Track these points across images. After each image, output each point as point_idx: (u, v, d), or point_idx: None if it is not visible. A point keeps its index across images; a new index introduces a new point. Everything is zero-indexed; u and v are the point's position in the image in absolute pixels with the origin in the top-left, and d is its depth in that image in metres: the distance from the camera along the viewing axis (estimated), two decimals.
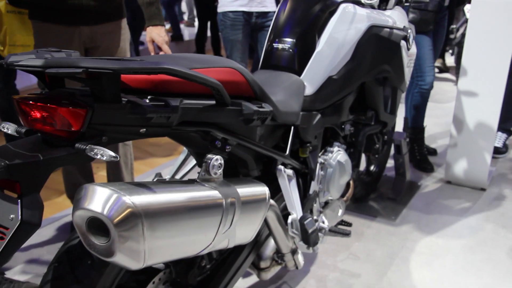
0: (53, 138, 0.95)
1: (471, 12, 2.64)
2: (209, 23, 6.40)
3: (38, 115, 0.92)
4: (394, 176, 2.96)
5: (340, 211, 1.98)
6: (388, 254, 2.20)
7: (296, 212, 1.51)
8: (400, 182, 2.82)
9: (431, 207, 2.67)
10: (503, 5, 2.52)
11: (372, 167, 2.72)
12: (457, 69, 5.96)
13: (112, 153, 0.88)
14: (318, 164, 1.74)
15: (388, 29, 1.89)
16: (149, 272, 1.25)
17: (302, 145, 1.68)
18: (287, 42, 1.71)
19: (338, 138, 1.93)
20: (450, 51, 6.32)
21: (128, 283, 1.23)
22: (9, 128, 1.03)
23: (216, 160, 1.13)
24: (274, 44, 1.74)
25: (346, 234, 1.85)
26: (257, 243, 1.48)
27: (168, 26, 7.96)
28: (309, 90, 1.68)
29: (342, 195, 2.12)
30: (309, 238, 1.49)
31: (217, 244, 1.11)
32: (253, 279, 2.02)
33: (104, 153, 0.88)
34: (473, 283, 1.99)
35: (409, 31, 1.98)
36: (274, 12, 3.09)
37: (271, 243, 1.58)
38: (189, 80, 1.01)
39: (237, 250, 1.40)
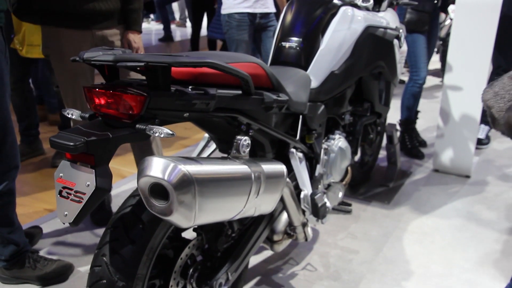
0: (114, 121, 1.15)
1: (455, 12, 2.87)
2: (204, 24, 6.57)
3: (104, 100, 1.12)
4: (386, 166, 3.19)
5: (341, 194, 2.19)
6: (383, 234, 2.42)
7: (307, 188, 1.72)
8: (392, 170, 3.05)
9: (420, 192, 2.91)
10: (485, 5, 2.76)
11: (366, 157, 2.94)
12: (442, 67, 6.24)
13: (169, 131, 1.08)
14: (322, 150, 1.95)
15: (382, 29, 2.11)
16: (185, 240, 1.45)
17: (309, 132, 1.89)
18: (294, 41, 1.92)
19: (339, 127, 2.15)
20: (436, 49, 6.59)
21: (168, 248, 1.43)
22: (74, 114, 1.22)
23: (245, 140, 1.34)
24: (282, 43, 1.95)
25: (348, 211, 2.07)
26: (272, 218, 1.69)
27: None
28: (314, 83, 1.90)
29: (342, 180, 2.34)
30: (318, 211, 1.71)
31: (247, 211, 1.31)
32: (264, 255, 2.23)
33: (162, 131, 1.08)
34: (459, 257, 2.23)
35: (400, 30, 2.21)
36: (274, 13, 3.32)
37: (283, 218, 1.79)
38: (226, 73, 1.22)
39: (256, 222, 1.61)
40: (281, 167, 1.45)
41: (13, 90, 3.23)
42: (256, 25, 3.29)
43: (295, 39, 1.93)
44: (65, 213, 1.09)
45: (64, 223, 1.10)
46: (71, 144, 1.03)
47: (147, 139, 1.16)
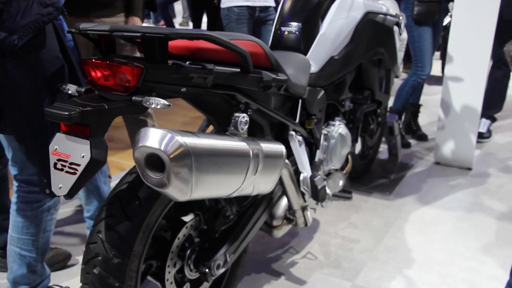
0: (111, 95, 1.13)
1: (455, 5, 2.86)
2: (205, 21, 6.56)
3: (100, 73, 1.10)
4: (387, 158, 3.17)
5: (341, 182, 2.17)
6: (384, 223, 2.40)
7: (306, 171, 1.70)
8: (393, 162, 3.02)
9: (422, 184, 2.89)
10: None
11: (366, 149, 2.92)
12: (442, 63, 6.23)
13: (166, 102, 1.07)
14: (322, 135, 1.94)
15: (382, 15, 2.10)
16: (182, 221, 1.43)
17: (308, 117, 1.87)
18: (294, 26, 1.91)
19: (339, 114, 2.13)
20: None
21: (165, 229, 1.41)
22: (70, 88, 1.21)
23: (243, 117, 1.32)
24: (282, 28, 1.93)
25: (348, 198, 2.05)
26: (271, 202, 1.66)
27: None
28: (314, 68, 1.88)
29: (342, 169, 2.32)
30: (318, 193, 1.69)
31: (245, 188, 1.29)
32: (264, 244, 2.21)
33: (159, 102, 1.06)
34: (461, 245, 2.20)
35: (400, 17, 2.19)
36: (274, 7, 3.30)
37: (282, 203, 1.76)
38: (224, 47, 1.20)
39: (255, 204, 1.59)
40: (280, 147, 1.43)
41: None
42: (256, 18, 3.28)
43: (294, 23, 1.92)
44: (60, 185, 1.07)
45: (58, 196, 1.08)
46: (66, 113, 1.01)
47: (143, 112, 1.15)
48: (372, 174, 3.00)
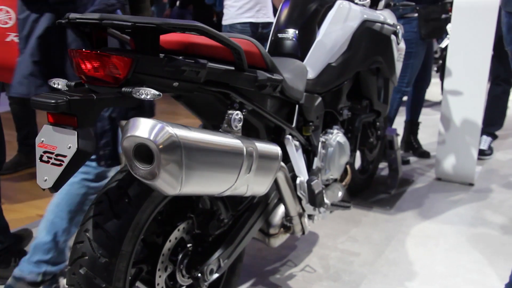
0: (100, 88, 1.10)
1: (453, 17, 2.87)
2: None
3: (90, 64, 1.08)
4: (387, 174, 3.12)
5: (340, 193, 2.12)
6: (385, 237, 2.34)
7: (303, 175, 1.66)
8: (393, 177, 2.98)
9: (423, 199, 2.83)
10: (483, 9, 2.75)
11: (366, 163, 2.88)
12: (442, 85, 6.26)
13: (156, 92, 1.04)
14: (320, 143, 1.90)
15: (379, 24, 2.09)
16: (174, 224, 1.38)
17: (306, 124, 1.84)
18: (291, 33, 1.90)
19: (337, 123, 2.10)
20: (435, 68, 6.62)
21: (156, 232, 1.36)
22: (60, 83, 1.18)
23: (237, 114, 1.29)
24: (278, 35, 1.92)
25: (347, 207, 1.99)
26: (267, 207, 1.61)
27: None
28: (311, 74, 1.86)
29: (341, 180, 2.28)
30: (315, 198, 1.64)
31: (239, 187, 1.25)
32: (261, 257, 2.14)
33: (149, 92, 1.03)
34: (464, 259, 2.13)
35: (398, 27, 2.19)
36: None
37: (279, 211, 1.71)
38: (216, 41, 1.18)
39: (250, 209, 1.54)
40: (276, 148, 1.40)
41: (12, 98, 3.21)
42: (259, 35, 3.29)
43: (291, 30, 1.91)
44: (45, 178, 1.03)
45: (44, 189, 1.04)
46: (52, 101, 0.98)
47: (133, 104, 1.12)
48: (372, 190, 2.94)
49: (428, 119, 4.75)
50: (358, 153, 2.80)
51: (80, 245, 1.15)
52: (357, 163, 2.83)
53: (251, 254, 2.17)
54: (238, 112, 1.30)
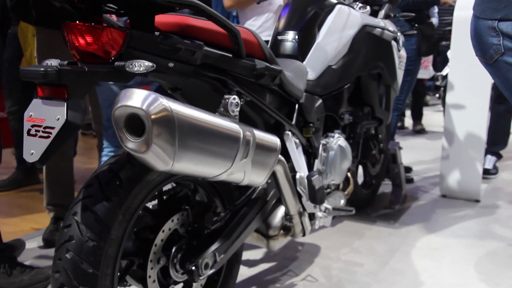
0: (93, 65, 1.07)
1: (453, 31, 2.87)
2: None
3: (83, 39, 1.05)
4: (390, 191, 3.05)
5: (342, 201, 2.06)
6: (389, 249, 2.25)
7: (303, 171, 1.61)
8: (397, 193, 2.91)
9: (428, 214, 2.75)
10: None
11: (369, 178, 2.82)
12: (444, 111, 6.26)
13: (149, 63, 1.01)
14: (320, 145, 1.86)
15: (379, 29, 2.09)
16: (167, 215, 1.32)
17: (306, 125, 1.80)
18: (291, 34, 1.89)
19: (338, 128, 2.06)
20: (437, 95, 6.64)
21: (150, 224, 1.30)
22: (52, 63, 1.15)
23: (234, 99, 1.26)
24: (278, 37, 1.91)
25: (350, 210, 1.93)
26: (266, 205, 1.54)
27: None
28: (311, 75, 1.84)
29: (343, 190, 2.22)
30: (316, 194, 1.58)
31: (235, 172, 1.20)
32: (261, 267, 2.06)
33: (142, 64, 1.00)
34: (473, 269, 2.04)
35: (398, 34, 2.18)
36: None
37: (279, 212, 1.66)
38: (213, 20, 1.16)
39: (249, 204, 1.48)
40: (275, 139, 1.35)
41: (12, 114, 3.18)
42: None
43: (291, 32, 1.90)
44: (32, 151, 0.99)
45: (30, 163, 1.00)
46: (42, 70, 0.96)
47: (126, 81, 1.08)
48: (375, 205, 2.87)
49: (429, 143, 4.72)
50: (360, 169, 2.76)
51: (67, 229, 1.09)
52: (360, 178, 2.78)
53: (250, 264, 2.09)
54: (235, 96, 1.26)
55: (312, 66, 1.85)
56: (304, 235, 1.67)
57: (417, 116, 5.72)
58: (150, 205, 1.35)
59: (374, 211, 2.77)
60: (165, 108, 0.99)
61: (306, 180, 1.59)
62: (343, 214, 1.92)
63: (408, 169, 3.49)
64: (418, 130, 5.68)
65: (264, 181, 1.34)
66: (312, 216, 1.76)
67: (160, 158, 1.00)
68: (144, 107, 0.96)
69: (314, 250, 2.24)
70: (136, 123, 0.99)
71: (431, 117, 6.37)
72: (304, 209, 1.63)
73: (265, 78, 1.40)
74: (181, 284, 1.42)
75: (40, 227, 2.55)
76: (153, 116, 0.96)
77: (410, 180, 3.41)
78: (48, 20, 2.03)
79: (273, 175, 1.47)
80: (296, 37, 1.88)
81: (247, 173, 1.24)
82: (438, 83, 6.71)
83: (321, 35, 1.90)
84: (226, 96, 1.26)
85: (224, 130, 1.15)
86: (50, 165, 2.26)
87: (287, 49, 1.87)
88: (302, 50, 1.88)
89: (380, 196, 3.00)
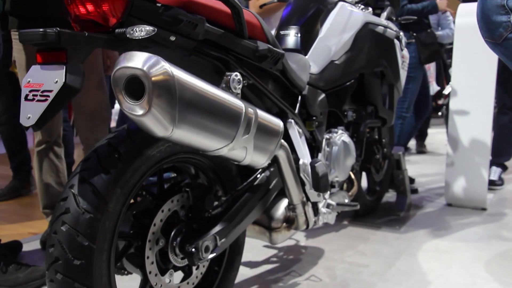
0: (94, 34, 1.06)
1: (454, 51, 2.86)
2: None
3: (84, 5, 1.04)
4: (394, 200, 3.00)
5: (346, 201, 2.01)
6: (395, 252, 2.19)
7: (306, 158, 1.57)
8: (402, 200, 2.86)
9: (434, 220, 2.70)
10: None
11: (373, 185, 2.77)
12: (447, 128, 6.23)
13: (150, 27, 1.00)
14: (324, 140, 1.83)
15: (382, 27, 2.09)
16: (167, 197, 1.28)
17: (309, 118, 1.78)
18: (293, 29, 1.89)
19: (342, 125, 2.04)
20: (440, 113, 6.64)
21: (148, 205, 1.26)
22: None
23: (236, 75, 1.24)
24: (281, 32, 1.91)
25: (354, 205, 1.88)
26: (268, 193, 1.49)
27: None
28: (314, 69, 1.83)
29: (347, 190, 2.18)
30: (319, 181, 1.54)
31: (236, 148, 1.17)
32: (263, 268, 2.01)
33: (143, 28, 0.99)
34: (482, 270, 1.98)
35: (400, 33, 2.18)
36: None
37: (282, 204, 1.62)
38: None
39: (251, 191, 1.43)
40: (277, 121, 1.33)
41: (3, 125, 3.10)
42: None
43: (293, 27, 1.90)
44: (28, 115, 0.97)
45: (27, 127, 0.97)
46: (41, 31, 0.94)
47: (125, 49, 1.06)
48: (380, 213, 2.81)
49: (432, 158, 4.68)
50: (364, 177, 2.72)
51: (63, 202, 1.06)
52: (364, 183, 2.73)
53: (253, 265, 2.03)
54: (238, 73, 1.24)
55: (315, 60, 1.85)
56: (307, 227, 1.62)
57: (421, 137, 5.66)
58: (149, 188, 1.31)
59: (379, 217, 2.72)
60: (167, 71, 0.97)
61: (309, 167, 1.56)
62: (347, 209, 1.87)
63: (411, 180, 3.44)
64: (421, 151, 5.61)
65: (266, 162, 1.31)
66: (316, 212, 1.71)
67: (159, 122, 0.97)
68: (145, 68, 0.94)
69: (317, 252, 2.18)
70: (136, 88, 0.97)
71: (435, 136, 6.32)
72: (308, 199, 1.59)
73: (268, 61, 1.38)
74: (181, 279, 1.37)
75: (38, 232, 2.51)
76: (153, 78, 0.94)
77: (414, 191, 3.35)
78: (31, 24, 1.96)
79: (276, 162, 1.44)
80: (299, 31, 1.88)
81: (248, 151, 1.22)
82: (440, 102, 6.73)
83: (324, 31, 1.90)
84: (228, 73, 1.24)
85: (226, 103, 1.13)
86: (43, 168, 2.21)
87: (290, 43, 1.87)
88: (304, 45, 1.88)
89: (384, 205, 2.94)
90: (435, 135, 6.29)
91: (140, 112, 0.95)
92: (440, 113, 6.61)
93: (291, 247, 2.26)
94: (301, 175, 1.55)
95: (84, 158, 1.12)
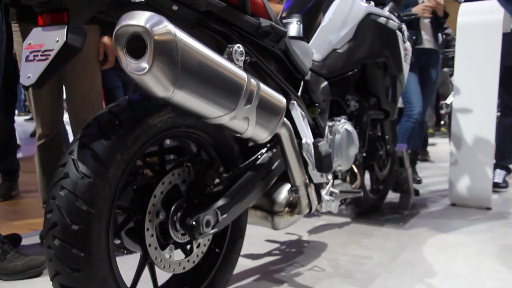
0: None
1: (456, 53, 2.86)
2: None
3: None
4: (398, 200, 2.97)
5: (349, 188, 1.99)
6: (400, 246, 2.16)
7: (309, 138, 1.55)
8: (406, 199, 2.82)
9: (438, 218, 2.66)
10: (486, 25, 2.77)
11: (377, 183, 2.74)
12: (450, 137, 6.21)
13: None
14: (327, 127, 1.82)
15: (384, 18, 2.09)
16: (167, 171, 1.27)
17: (312, 105, 1.77)
18: (296, 17, 1.89)
19: (345, 115, 2.02)
20: (442, 122, 6.63)
21: (148, 180, 1.25)
22: None
23: (238, 47, 1.23)
24: (283, 20, 1.92)
25: (358, 192, 1.85)
26: (271, 174, 1.47)
27: None
28: (316, 56, 1.82)
29: (351, 182, 2.16)
30: (322, 161, 1.52)
31: (238, 117, 1.15)
32: (265, 259, 1.98)
33: None
34: (489, 262, 1.94)
35: (403, 25, 2.18)
36: None
37: (284, 188, 1.60)
38: None
39: (253, 169, 1.41)
40: (280, 97, 1.32)
41: None
42: None
43: (296, 15, 1.90)
44: (29, 75, 0.96)
45: (27, 87, 0.96)
46: None
47: (127, 11, 1.06)
48: (383, 211, 2.78)
49: (434, 167, 4.65)
50: (367, 175, 2.70)
51: (62, 168, 1.04)
52: (367, 182, 2.71)
53: (254, 257, 2.00)
54: (240, 45, 1.24)
55: (317, 48, 1.85)
56: (310, 210, 1.60)
57: (424, 144, 5.62)
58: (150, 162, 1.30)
59: (383, 215, 2.69)
60: (169, 31, 0.96)
61: (312, 147, 1.54)
62: (350, 196, 1.85)
63: (416, 192, 3.40)
64: (425, 159, 5.57)
65: (268, 137, 1.29)
66: (319, 198, 1.68)
67: (160, 82, 0.96)
68: (147, 26, 0.94)
69: (320, 246, 2.15)
70: (138, 47, 0.96)
71: (439, 147, 6.28)
72: (311, 180, 1.57)
73: (270, 38, 1.38)
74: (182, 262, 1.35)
75: (38, 228, 2.48)
76: (156, 37, 0.94)
77: (415, 192, 3.32)
78: (26, 14, 1.93)
79: (278, 141, 1.42)
80: (302, 20, 1.88)
81: (251, 123, 1.20)
82: (442, 111, 6.72)
83: (326, 19, 1.91)
84: (230, 45, 1.23)
85: (228, 70, 1.12)
86: (43, 162, 2.20)
87: (292, 31, 1.87)
88: (306, 33, 1.88)
89: (387, 204, 2.91)
90: (440, 146, 6.26)
91: (141, 70, 0.94)
92: (442, 122, 6.60)
93: (294, 242, 2.23)
94: (304, 154, 1.53)
95: (85, 126, 1.10)
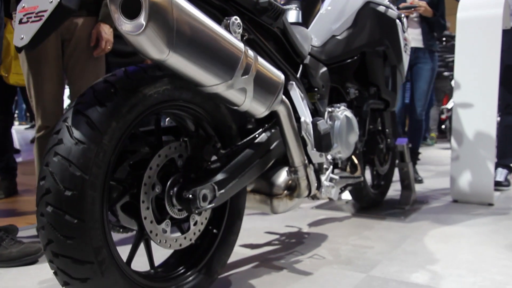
0: None
1: (456, 53, 2.86)
2: None
3: None
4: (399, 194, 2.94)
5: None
6: (401, 237, 2.13)
7: (308, 117, 1.54)
8: (407, 193, 2.80)
9: (440, 213, 2.63)
10: (487, 19, 2.76)
11: (377, 178, 2.72)
12: (450, 141, 6.18)
13: None
14: (326, 113, 1.80)
15: (383, 7, 2.09)
16: (163, 142, 1.25)
17: (311, 90, 1.76)
18: (295, 3, 1.89)
19: (345, 102, 2.01)
20: (443, 126, 6.61)
21: (144, 154, 1.23)
22: None
23: (236, 19, 1.22)
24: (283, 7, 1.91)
25: (358, 177, 1.83)
26: (269, 154, 1.44)
27: None
28: (316, 42, 1.82)
29: (351, 172, 2.13)
30: (321, 140, 1.49)
31: (235, 87, 1.14)
32: (264, 249, 1.95)
33: None
34: (492, 250, 1.91)
35: (402, 15, 2.18)
36: None
37: (283, 171, 1.58)
38: None
39: (251, 147, 1.39)
40: (279, 73, 1.31)
41: None
42: None
43: (294, 1, 1.90)
44: (22, 36, 0.95)
45: (20, 48, 0.95)
46: None
47: None
48: (385, 206, 2.75)
49: (434, 170, 4.61)
50: (368, 170, 2.68)
51: (56, 135, 1.03)
52: (368, 177, 2.68)
53: (254, 246, 1.97)
54: (237, 17, 1.22)
55: (316, 34, 1.84)
56: (309, 193, 1.57)
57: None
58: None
59: (384, 210, 2.65)
60: None
61: (311, 125, 1.52)
62: (350, 182, 1.82)
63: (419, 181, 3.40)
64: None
65: (265, 112, 1.28)
66: (319, 184, 1.66)
67: (155, 43, 0.95)
68: None
69: (320, 237, 2.12)
70: (133, 9, 0.95)
71: (441, 152, 6.25)
72: (310, 161, 1.55)
73: (268, 14, 1.37)
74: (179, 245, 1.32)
75: (34, 222, 2.45)
76: None
77: (419, 181, 3.31)
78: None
79: (277, 119, 1.40)
80: (301, 6, 1.88)
81: (248, 95, 1.19)
82: (443, 116, 6.70)
83: (325, 6, 1.91)
84: (227, 17, 1.22)
85: (225, 38, 1.11)
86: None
87: (291, 17, 1.86)
88: (305, 19, 1.87)
89: (388, 200, 2.88)
90: (440, 151, 6.23)
91: (136, 30, 0.93)
92: (443, 126, 6.58)
93: (293, 233, 2.20)
94: (303, 133, 1.51)
95: (80, 94, 1.09)
